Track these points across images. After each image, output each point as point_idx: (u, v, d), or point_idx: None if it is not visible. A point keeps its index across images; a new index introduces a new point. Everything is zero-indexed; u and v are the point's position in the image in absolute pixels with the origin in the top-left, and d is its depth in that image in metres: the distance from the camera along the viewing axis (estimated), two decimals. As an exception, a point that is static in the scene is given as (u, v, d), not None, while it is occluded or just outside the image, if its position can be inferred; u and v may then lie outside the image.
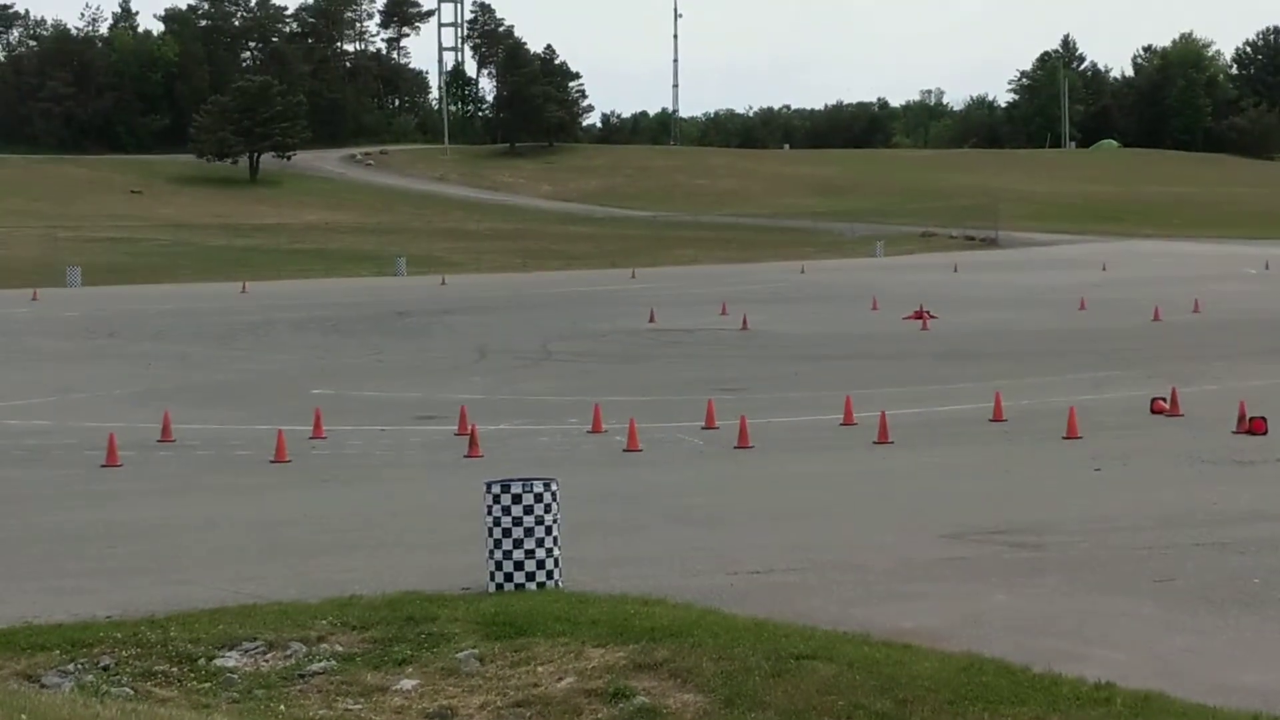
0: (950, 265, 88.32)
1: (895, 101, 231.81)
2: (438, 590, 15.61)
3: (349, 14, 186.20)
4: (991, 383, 34.27)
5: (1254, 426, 27.16)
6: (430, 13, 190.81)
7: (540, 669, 13.13)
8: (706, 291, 69.64)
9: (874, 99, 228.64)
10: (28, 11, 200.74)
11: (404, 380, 39.54)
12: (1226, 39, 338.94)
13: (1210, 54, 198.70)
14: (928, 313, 54.10)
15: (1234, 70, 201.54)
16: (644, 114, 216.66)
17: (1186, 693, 12.15)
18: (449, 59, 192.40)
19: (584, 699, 12.53)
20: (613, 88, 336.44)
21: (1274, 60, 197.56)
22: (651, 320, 55.41)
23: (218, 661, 13.58)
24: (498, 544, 15.76)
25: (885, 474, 24.03)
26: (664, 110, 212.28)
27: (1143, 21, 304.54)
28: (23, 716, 8.41)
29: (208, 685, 13.13)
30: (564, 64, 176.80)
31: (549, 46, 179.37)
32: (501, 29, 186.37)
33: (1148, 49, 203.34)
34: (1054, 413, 29.38)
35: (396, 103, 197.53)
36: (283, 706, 12.56)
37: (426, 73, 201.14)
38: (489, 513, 15.85)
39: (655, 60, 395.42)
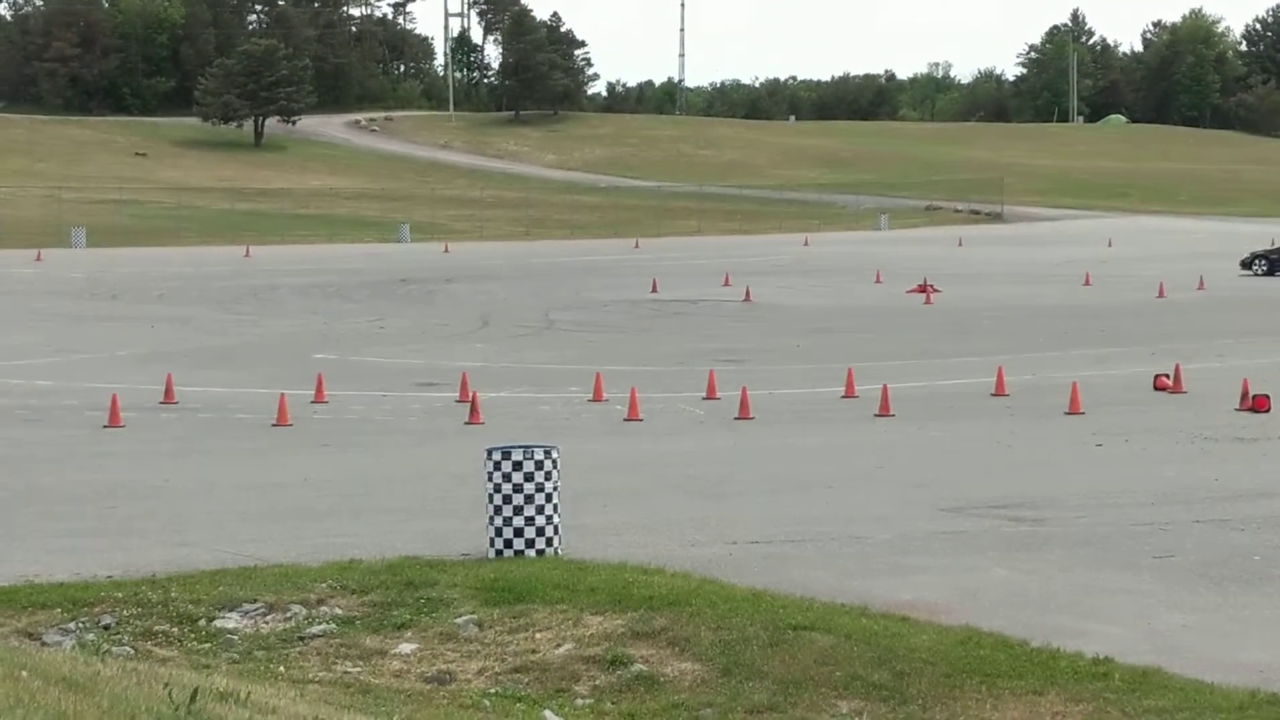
0: (955, 239, 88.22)
1: (902, 74, 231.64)
2: (437, 555, 15.65)
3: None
4: (994, 357, 34.25)
5: (1256, 404, 27.17)
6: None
7: (539, 635, 13.17)
8: (709, 262, 69.59)
9: (881, 71, 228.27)
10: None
11: (406, 346, 39.55)
12: (1236, 15, 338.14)
13: (1220, 30, 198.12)
14: (931, 287, 54.06)
15: (1243, 47, 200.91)
16: (649, 83, 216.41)
17: (1184, 669, 12.18)
18: (455, 25, 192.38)
19: (582, 666, 12.57)
20: (618, 56, 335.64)
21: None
22: (654, 290, 55.38)
23: (218, 622, 13.63)
24: (498, 510, 15.79)
25: (886, 447, 24.05)
26: (669, 80, 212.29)
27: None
28: (23, 674, 8.43)
29: (208, 646, 13.18)
30: (570, 32, 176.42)
31: (555, 14, 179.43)
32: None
33: (1157, 24, 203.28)
34: (1056, 388, 29.38)
35: (401, 69, 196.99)
36: (282, 668, 12.60)
37: (432, 39, 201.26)
38: (489, 479, 15.88)
39: (661, 29, 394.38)
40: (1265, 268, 64.00)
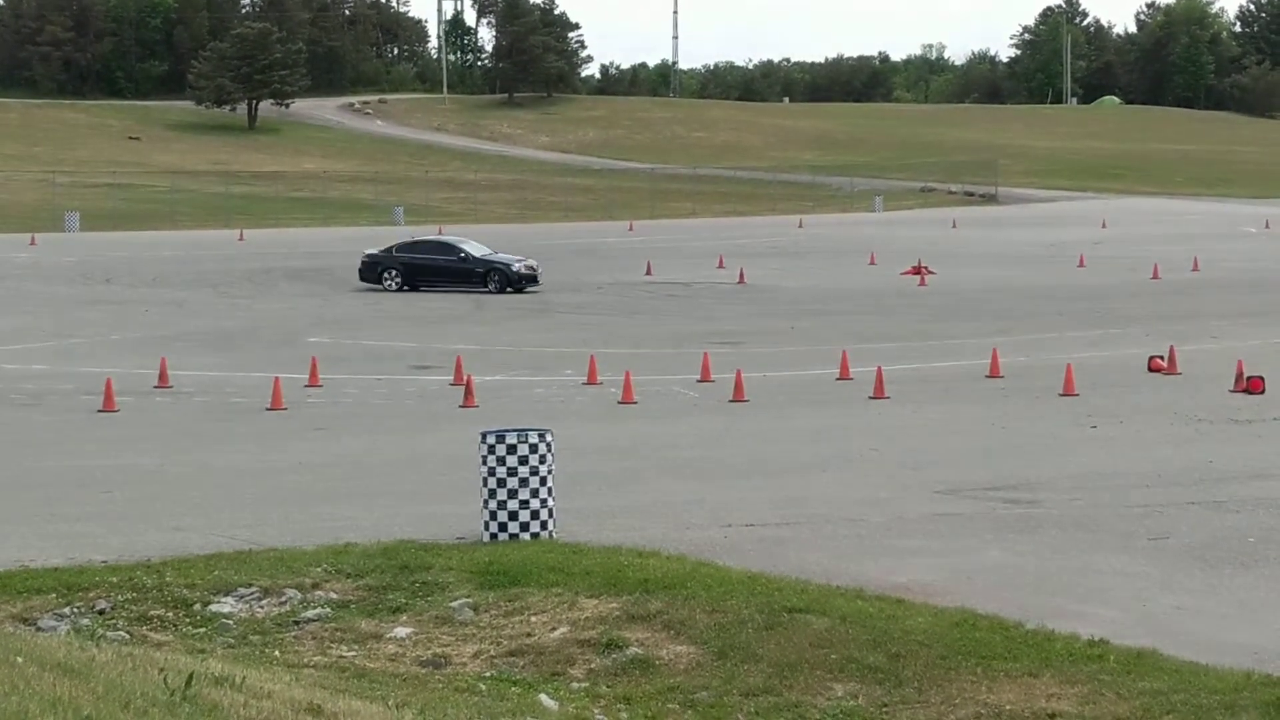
0: (949, 221, 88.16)
1: (896, 55, 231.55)
2: (432, 539, 15.66)
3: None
4: (989, 339, 34.26)
5: (1251, 385, 27.17)
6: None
7: (534, 619, 13.17)
8: (704, 244, 69.54)
9: (875, 53, 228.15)
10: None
11: (400, 330, 39.53)
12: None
13: (1214, 11, 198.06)
14: (926, 268, 54.05)
15: (1237, 28, 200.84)
16: (643, 65, 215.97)
17: (1179, 650, 12.19)
18: (448, 8, 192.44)
19: (577, 649, 12.57)
20: (612, 39, 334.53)
21: (1277, 18, 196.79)
22: (648, 273, 55.34)
23: (213, 607, 13.63)
24: (492, 494, 15.79)
25: (881, 429, 24.04)
26: (663, 62, 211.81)
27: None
28: (18, 659, 8.42)
29: (203, 630, 13.17)
30: (563, 14, 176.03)
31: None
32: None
33: (1151, 5, 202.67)
34: (1051, 370, 29.38)
35: (395, 51, 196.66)
36: (277, 652, 12.60)
37: (425, 21, 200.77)
38: (484, 463, 15.88)
39: (655, 11, 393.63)
40: (397, 278, 49.85)
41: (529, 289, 49.30)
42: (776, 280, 53.37)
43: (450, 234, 61.50)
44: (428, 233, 66.91)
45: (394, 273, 49.95)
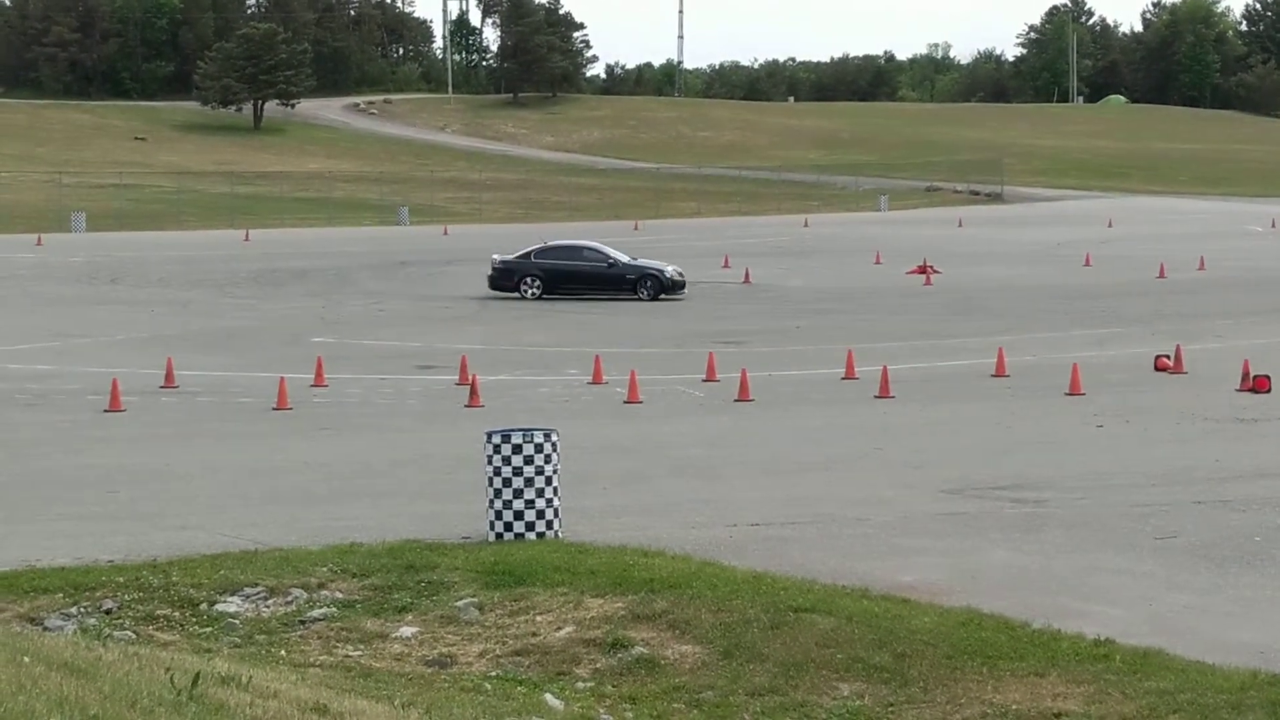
0: (955, 220, 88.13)
1: (902, 55, 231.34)
2: (437, 539, 15.66)
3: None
4: (994, 338, 34.24)
5: (1257, 384, 27.17)
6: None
7: (539, 618, 13.17)
8: (709, 244, 69.53)
9: (880, 52, 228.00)
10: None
11: (405, 329, 39.54)
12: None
13: (1219, 10, 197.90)
14: (931, 268, 54.02)
15: (1243, 27, 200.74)
16: (648, 65, 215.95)
17: (1185, 650, 12.18)
18: (453, 8, 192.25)
19: (582, 649, 12.57)
20: (617, 38, 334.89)
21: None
22: (654, 272, 55.22)
23: (219, 607, 13.64)
24: (498, 494, 15.79)
25: (886, 428, 24.04)
26: (668, 61, 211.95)
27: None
28: (25, 659, 8.43)
29: (209, 630, 13.18)
30: (568, 14, 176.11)
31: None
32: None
33: (1157, 4, 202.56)
34: (1057, 369, 29.37)
35: (400, 52, 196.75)
36: (283, 652, 12.61)
37: (430, 22, 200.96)
38: (489, 462, 15.88)
39: (660, 11, 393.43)
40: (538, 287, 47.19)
41: (679, 296, 47.32)
42: (782, 279, 53.36)
43: (457, 233, 61.31)
44: (433, 232, 66.93)
45: (534, 280, 47.27)
